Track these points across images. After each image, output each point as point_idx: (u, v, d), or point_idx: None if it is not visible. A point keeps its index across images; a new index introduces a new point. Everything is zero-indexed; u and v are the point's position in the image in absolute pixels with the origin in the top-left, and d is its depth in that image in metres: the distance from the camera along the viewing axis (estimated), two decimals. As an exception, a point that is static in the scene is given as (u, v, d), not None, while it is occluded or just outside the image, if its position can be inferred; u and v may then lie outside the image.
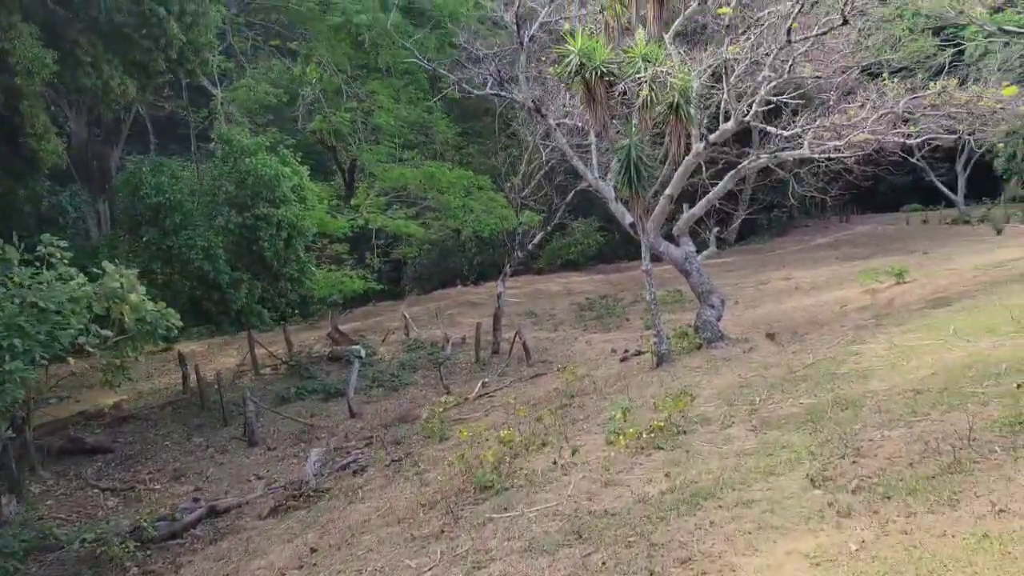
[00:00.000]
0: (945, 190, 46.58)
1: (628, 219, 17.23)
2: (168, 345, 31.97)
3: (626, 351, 19.33)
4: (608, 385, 14.93)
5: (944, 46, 43.43)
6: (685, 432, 8.74)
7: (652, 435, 8.60)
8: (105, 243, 20.52)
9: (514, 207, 24.98)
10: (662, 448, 8.27)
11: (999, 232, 36.39)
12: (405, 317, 28.80)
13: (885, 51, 38.78)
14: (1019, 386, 7.29)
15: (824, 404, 8.63)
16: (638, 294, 29.11)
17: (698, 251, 18.04)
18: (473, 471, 8.96)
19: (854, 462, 6.54)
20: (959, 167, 45.92)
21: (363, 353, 26.15)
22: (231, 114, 25.88)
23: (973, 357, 9.35)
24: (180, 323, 15.33)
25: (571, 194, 25.47)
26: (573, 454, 8.69)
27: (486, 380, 22.01)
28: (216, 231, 20.88)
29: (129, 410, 23.76)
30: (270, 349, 26.80)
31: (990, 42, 41.81)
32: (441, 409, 14.94)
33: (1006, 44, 40.73)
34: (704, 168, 32.35)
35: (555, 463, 8.57)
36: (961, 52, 43.25)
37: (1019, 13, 42.06)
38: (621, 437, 8.52)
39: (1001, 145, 42.10)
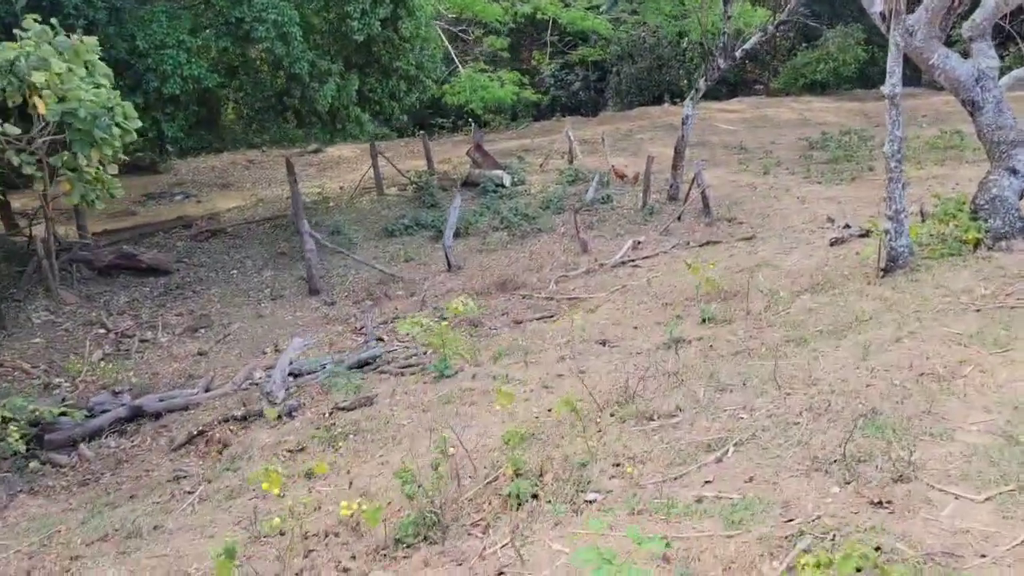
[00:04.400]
0: None
1: (878, 3, 9.65)
2: (319, 147, 28.31)
3: (846, 227, 12.18)
4: (777, 307, 8.26)
5: None
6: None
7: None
8: (161, 11, 15.82)
9: (721, -8, 17.33)
10: None
11: None
12: (570, 139, 22.50)
13: None
14: None
15: None
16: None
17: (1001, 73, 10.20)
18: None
19: None
20: None
21: (506, 181, 20.56)
22: None
23: None
24: (138, 123, 10.41)
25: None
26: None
27: (640, 240, 15.74)
28: (292, 1, 15.46)
29: (224, 223, 20.14)
30: (398, 166, 21.84)
31: None
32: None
33: None
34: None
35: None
36: None
37: None
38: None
39: None
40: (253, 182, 25.59)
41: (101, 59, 11.71)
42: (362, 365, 10.32)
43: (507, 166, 21.70)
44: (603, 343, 8.00)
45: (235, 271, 16.71)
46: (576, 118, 30.80)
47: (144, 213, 22.52)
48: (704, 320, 8.03)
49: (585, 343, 8.08)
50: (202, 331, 13.40)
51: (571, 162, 22.21)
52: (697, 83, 18.05)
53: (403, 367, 9.58)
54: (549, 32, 25.08)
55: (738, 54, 17.59)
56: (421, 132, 23.82)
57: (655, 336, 8.04)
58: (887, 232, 8.81)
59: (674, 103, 32.69)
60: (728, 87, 36.00)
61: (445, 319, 8.90)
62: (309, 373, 10.26)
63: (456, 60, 20.79)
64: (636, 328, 9.21)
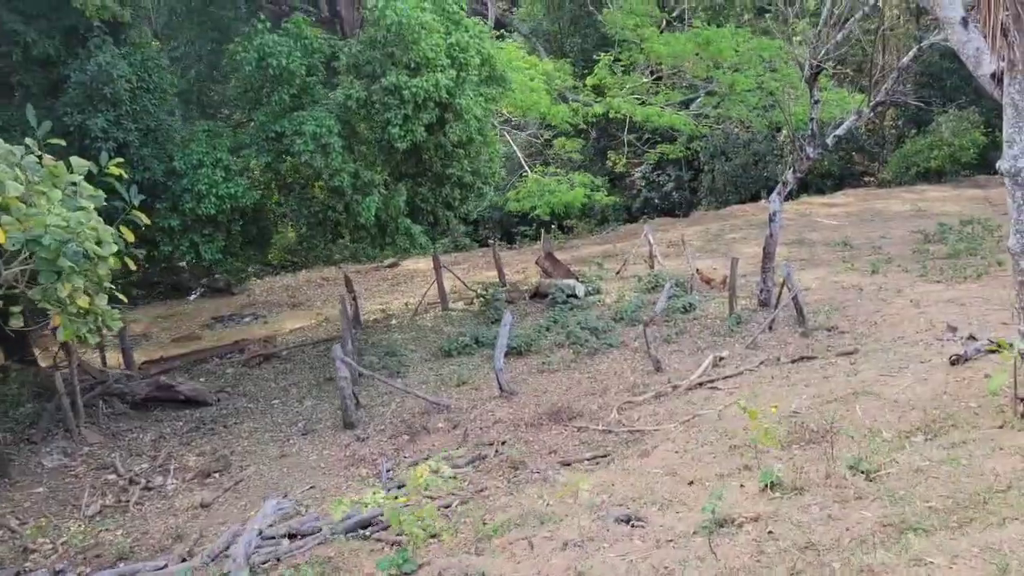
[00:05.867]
0: None
1: (986, 63, 7.61)
2: (395, 260, 27.42)
3: (970, 339, 9.77)
4: (874, 461, 6.04)
5: None
6: None
7: None
8: (202, 130, 15.22)
9: (805, 77, 15.41)
10: None
11: None
12: (649, 242, 20.67)
13: None
14: None
15: None
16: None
17: None
18: None
19: None
20: None
21: (579, 290, 18.83)
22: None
23: None
24: (114, 247, 9.21)
25: (912, 52, 15.29)
26: None
27: (723, 355, 13.57)
28: (333, 111, 14.56)
29: (279, 346, 19.07)
30: (463, 280, 20.51)
31: None
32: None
33: None
34: None
35: None
36: None
37: None
38: None
39: None
40: (324, 300, 24.76)
41: (135, 182, 10.98)
42: (364, 526, 8.56)
43: (581, 274, 20.02)
44: (627, 520, 5.94)
45: (277, 400, 15.41)
46: (664, 219, 29.04)
47: (209, 337, 21.87)
48: (766, 486, 5.89)
49: (603, 518, 6.05)
50: (216, 476, 11.94)
51: (652, 267, 20.33)
52: (784, 176, 16.05)
53: (401, 533, 7.74)
54: (626, 131, 23.67)
55: (830, 140, 15.57)
56: (490, 242, 22.51)
57: (702, 505, 5.94)
58: (1023, 353, 6.53)
59: (769, 199, 30.53)
60: (833, 180, 33.66)
61: (401, 488, 7.06)
62: (308, 535, 8.59)
63: (525, 164, 19.55)
64: (691, 484, 7.12)
